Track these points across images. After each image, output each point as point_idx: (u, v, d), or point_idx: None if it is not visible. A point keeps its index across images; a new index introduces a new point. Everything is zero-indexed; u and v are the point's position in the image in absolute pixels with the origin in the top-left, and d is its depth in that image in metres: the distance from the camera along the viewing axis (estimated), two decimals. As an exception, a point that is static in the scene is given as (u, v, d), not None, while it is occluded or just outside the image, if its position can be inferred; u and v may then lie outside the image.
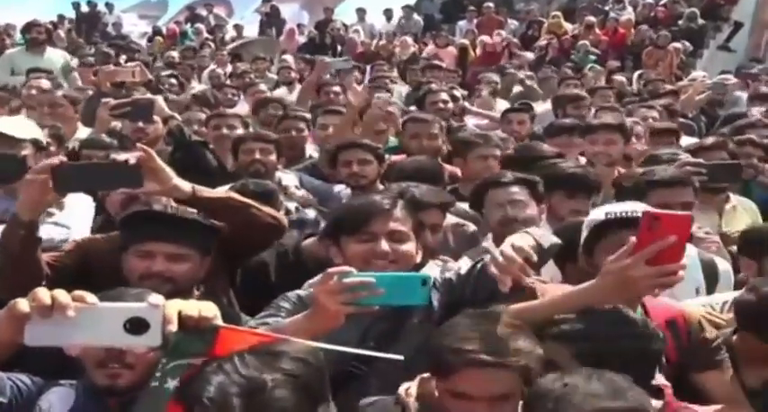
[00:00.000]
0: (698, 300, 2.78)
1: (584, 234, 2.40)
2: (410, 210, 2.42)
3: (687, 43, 13.33)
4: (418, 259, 2.41)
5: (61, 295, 1.49)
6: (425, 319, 2.29)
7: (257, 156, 4.27)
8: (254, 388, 1.43)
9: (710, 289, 3.04)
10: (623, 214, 2.27)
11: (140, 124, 4.40)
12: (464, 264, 2.84)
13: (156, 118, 4.49)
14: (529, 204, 3.15)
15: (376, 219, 2.32)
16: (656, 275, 1.87)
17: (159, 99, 4.86)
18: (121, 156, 2.38)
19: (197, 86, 9.12)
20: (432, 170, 3.97)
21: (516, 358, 1.82)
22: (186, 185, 2.43)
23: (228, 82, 9.17)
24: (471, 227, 3.71)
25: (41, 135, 3.46)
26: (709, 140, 4.31)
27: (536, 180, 3.26)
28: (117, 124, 4.71)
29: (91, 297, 1.52)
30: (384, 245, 2.29)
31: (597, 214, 2.39)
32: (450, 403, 1.84)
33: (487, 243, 3.19)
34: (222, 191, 2.65)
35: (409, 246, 2.34)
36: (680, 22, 14.46)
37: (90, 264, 2.68)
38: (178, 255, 2.44)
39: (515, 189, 3.17)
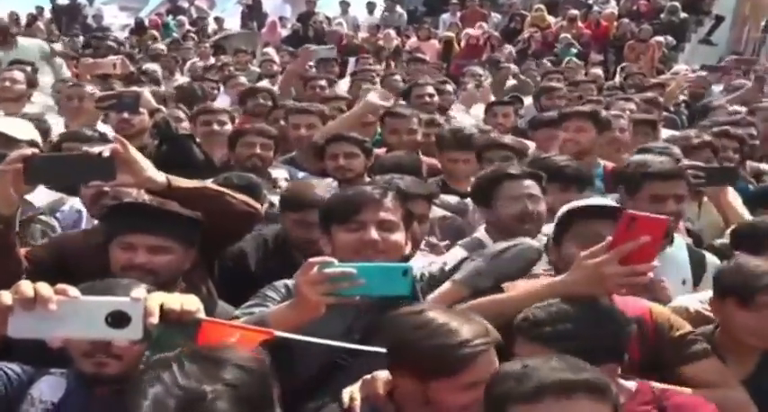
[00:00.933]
0: (695, 295, 2.79)
1: (554, 223, 2.45)
2: (400, 200, 2.44)
3: (669, 37, 13.40)
4: (408, 250, 2.42)
5: (44, 288, 1.50)
6: None
7: (257, 150, 4.27)
8: (192, 399, 1.38)
9: (697, 281, 3.07)
10: (585, 205, 2.34)
11: (126, 115, 4.37)
12: (457, 254, 2.91)
13: (141, 110, 4.46)
14: (541, 198, 3.13)
15: (366, 209, 2.33)
16: (627, 274, 1.93)
17: (146, 91, 4.82)
18: (95, 149, 2.34)
19: (180, 79, 9.06)
20: (410, 165, 4.04)
21: (496, 334, 1.89)
22: (161, 176, 2.41)
23: (208, 75, 9.10)
24: (458, 219, 3.73)
25: (39, 137, 3.45)
26: (696, 140, 4.30)
27: (542, 175, 3.24)
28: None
29: (73, 290, 1.53)
30: (373, 233, 2.30)
31: (562, 208, 2.44)
32: (460, 397, 1.83)
33: (480, 234, 3.18)
34: (195, 181, 2.63)
35: (398, 236, 2.36)
36: (662, 15, 14.54)
37: (66, 259, 2.67)
38: (160, 248, 2.44)
39: (530, 182, 3.13)
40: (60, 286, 1.52)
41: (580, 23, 14.39)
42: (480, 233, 3.18)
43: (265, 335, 1.68)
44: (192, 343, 1.61)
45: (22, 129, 3.36)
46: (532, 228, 2.99)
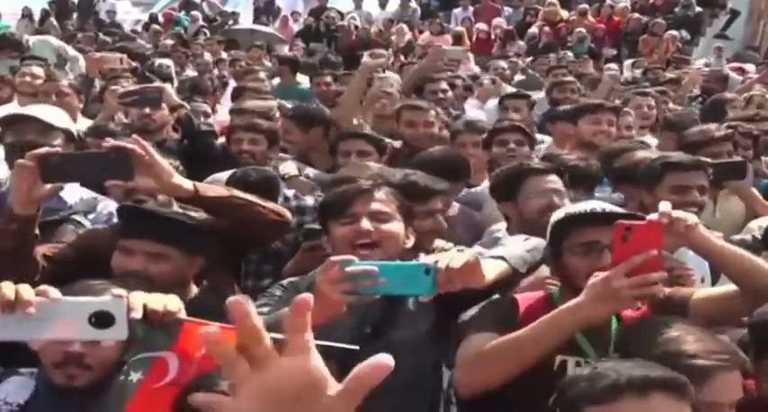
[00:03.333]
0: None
1: (548, 233, 2.36)
2: (395, 193, 2.42)
3: (684, 32, 13.31)
4: (409, 243, 2.39)
5: (24, 290, 1.49)
6: (422, 303, 2.29)
7: (245, 146, 4.23)
8: None
9: (716, 279, 3.00)
10: (582, 212, 2.25)
11: (147, 110, 4.36)
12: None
13: (162, 105, 4.46)
14: (565, 193, 3.10)
15: (357, 200, 2.33)
16: (639, 285, 1.89)
17: (168, 87, 4.83)
18: (108, 148, 2.29)
19: (192, 75, 9.03)
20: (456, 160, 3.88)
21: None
22: (188, 184, 2.36)
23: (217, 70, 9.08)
24: (477, 215, 3.71)
25: (74, 127, 3.39)
26: (718, 132, 4.23)
27: (562, 171, 3.23)
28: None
29: (54, 292, 1.51)
30: (366, 223, 2.28)
31: (558, 214, 2.35)
32: None
33: (501, 234, 3.15)
34: (223, 189, 2.59)
35: (393, 226, 2.33)
36: (676, 9, 14.44)
37: (96, 256, 2.58)
38: (158, 255, 2.36)
39: (554, 178, 3.10)
40: (42, 288, 1.50)
41: (591, 17, 14.31)
42: (502, 233, 3.14)
43: None
44: (173, 343, 1.60)
45: (57, 117, 3.29)
46: None
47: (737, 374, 1.84)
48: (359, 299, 1.88)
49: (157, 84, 4.98)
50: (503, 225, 3.37)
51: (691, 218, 2.06)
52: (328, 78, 7.14)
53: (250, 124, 4.40)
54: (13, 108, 3.74)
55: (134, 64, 6.72)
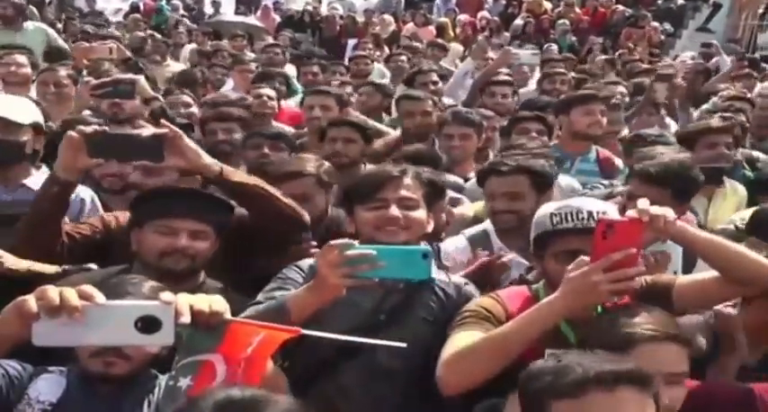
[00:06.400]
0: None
1: (532, 234, 2.32)
2: (421, 180, 2.49)
3: (667, 25, 13.35)
4: (429, 229, 2.47)
5: (70, 295, 1.44)
6: (445, 303, 2.39)
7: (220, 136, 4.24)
8: None
9: (687, 271, 2.95)
10: (568, 223, 2.19)
11: (116, 100, 4.27)
12: (459, 242, 3.05)
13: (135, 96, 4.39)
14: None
15: (387, 186, 2.39)
16: (617, 279, 1.93)
17: (141, 79, 4.78)
18: (143, 131, 2.50)
19: (172, 64, 8.87)
20: (430, 156, 3.91)
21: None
22: (215, 165, 2.49)
23: (214, 60, 8.93)
24: (466, 200, 3.70)
25: (41, 118, 3.32)
26: (716, 123, 4.14)
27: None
28: None
29: (99, 295, 1.47)
30: (395, 210, 2.35)
31: (543, 215, 2.27)
32: None
33: (486, 224, 3.13)
34: (248, 177, 2.67)
35: (420, 214, 2.40)
36: (659, 2, 14.50)
37: (113, 239, 2.71)
38: (200, 232, 2.46)
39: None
40: (86, 291, 1.47)
41: (577, 9, 14.32)
42: (487, 224, 3.14)
43: (291, 333, 1.65)
44: (219, 345, 1.58)
45: (23, 113, 3.22)
46: None
47: (671, 347, 1.87)
48: (355, 282, 1.92)
49: (131, 75, 4.89)
50: (468, 207, 3.49)
51: (669, 213, 2.08)
52: (315, 68, 7.10)
53: (224, 113, 4.40)
54: (20, 101, 3.60)
55: (128, 53, 6.60)
